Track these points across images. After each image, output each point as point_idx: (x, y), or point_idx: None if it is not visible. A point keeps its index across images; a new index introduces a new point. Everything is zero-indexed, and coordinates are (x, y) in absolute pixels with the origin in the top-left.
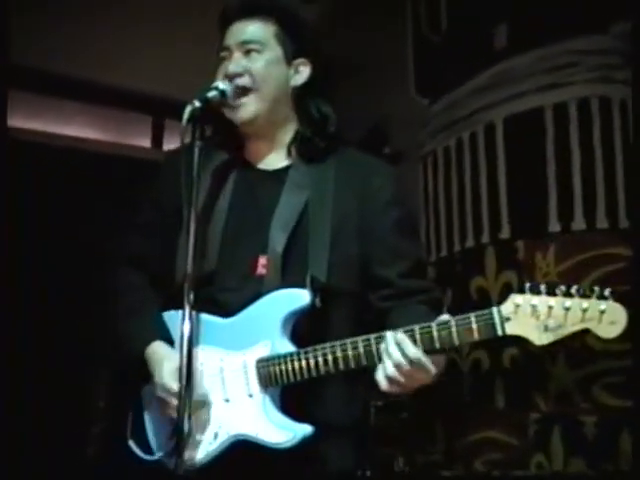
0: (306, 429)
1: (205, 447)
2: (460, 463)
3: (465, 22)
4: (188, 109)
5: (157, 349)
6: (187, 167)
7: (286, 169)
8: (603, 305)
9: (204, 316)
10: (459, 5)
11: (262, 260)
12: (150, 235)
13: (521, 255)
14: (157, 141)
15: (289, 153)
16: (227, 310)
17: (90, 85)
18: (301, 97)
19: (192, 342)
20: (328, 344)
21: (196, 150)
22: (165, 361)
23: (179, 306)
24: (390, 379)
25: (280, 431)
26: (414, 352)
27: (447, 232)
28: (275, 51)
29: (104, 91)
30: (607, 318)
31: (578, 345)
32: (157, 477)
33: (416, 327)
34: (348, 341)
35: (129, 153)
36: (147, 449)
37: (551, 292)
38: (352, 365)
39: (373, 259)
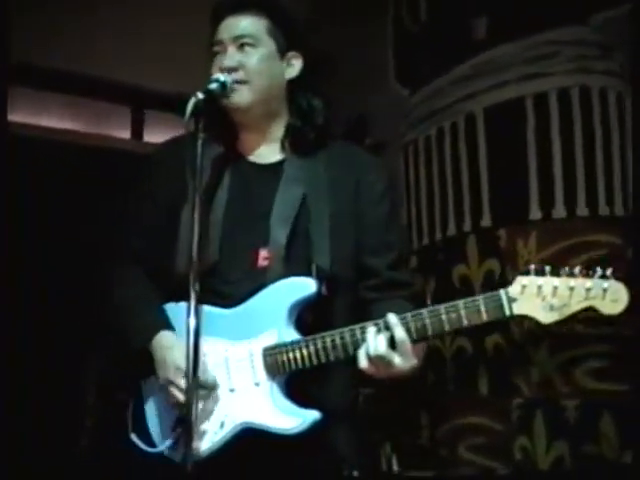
0: (314, 414)
1: (210, 437)
2: (444, 448)
3: (444, 13)
4: (192, 101)
5: (163, 339)
6: (189, 159)
7: (280, 163)
8: (606, 284)
9: (206, 307)
10: None
11: (263, 253)
12: (145, 230)
13: (503, 243)
14: (137, 133)
15: (282, 147)
16: (229, 302)
17: (68, 75)
18: (293, 90)
19: (199, 331)
20: (334, 331)
21: (199, 142)
22: (174, 347)
23: (180, 299)
24: (370, 359)
25: (289, 417)
26: (401, 335)
27: (429, 221)
28: (268, 45)
29: (83, 81)
30: (610, 296)
31: (559, 330)
32: (159, 469)
33: (424, 311)
34: (357, 326)
35: (108, 144)
36: (149, 442)
37: (555, 273)
38: (351, 353)
39: (365, 248)
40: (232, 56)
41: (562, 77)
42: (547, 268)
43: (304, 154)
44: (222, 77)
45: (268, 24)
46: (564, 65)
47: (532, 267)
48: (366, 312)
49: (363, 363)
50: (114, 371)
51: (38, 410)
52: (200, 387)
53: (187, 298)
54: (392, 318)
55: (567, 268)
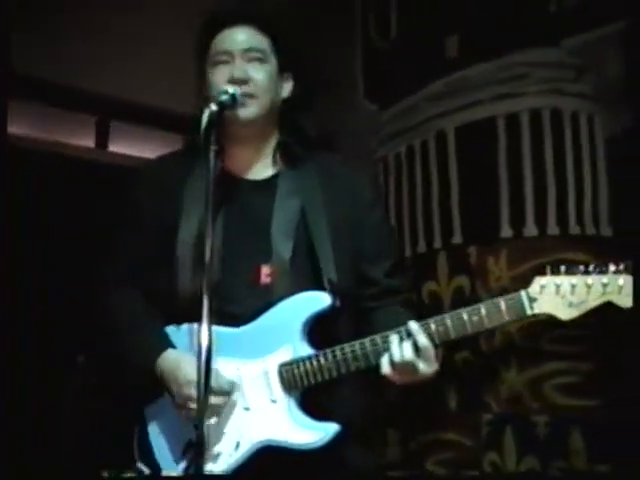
0: (335, 427)
1: (225, 459)
2: (413, 463)
3: (416, 31)
4: (207, 113)
5: (172, 356)
6: (177, 174)
7: (273, 178)
8: (621, 280)
9: (213, 328)
10: (409, 14)
11: (265, 269)
12: (139, 253)
13: (473, 260)
14: (101, 142)
15: (274, 162)
16: (234, 321)
17: (34, 81)
18: (284, 109)
19: (211, 352)
20: (354, 342)
21: (212, 155)
22: (182, 362)
23: (181, 322)
24: (394, 365)
25: (310, 431)
26: (425, 342)
27: (398, 237)
28: (272, 62)
29: (47, 88)
30: (625, 290)
31: (528, 346)
32: None
33: (446, 315)
34: (378, 336)
35: (71, 153)
36: (157, 469)
37: (571, 272)
38: (373, 362)
39: (362, 258)
40: (242, 68)
41: (534, 98)
42: (562, 268)
43: (296, 167)
44: (231, 89)
45: (271, 41)
46: (536, 86)
47: (548, 267)
48: (365, 321)
49: (387, 369)
50: (115, 398)
51: (38, 410)
52: (220, 393)
53: (190, 320)
54: (414, 325)
55: (582, 266)
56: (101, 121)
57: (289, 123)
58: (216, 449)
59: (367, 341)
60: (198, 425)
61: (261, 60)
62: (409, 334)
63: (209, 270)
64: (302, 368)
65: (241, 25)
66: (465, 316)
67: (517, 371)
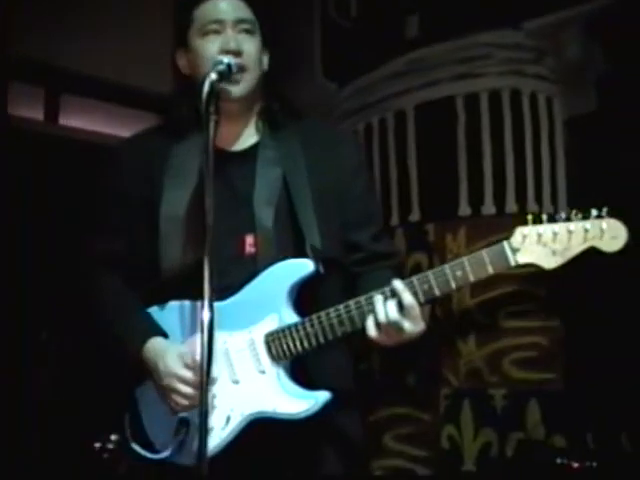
0: (325, 394)
1: (217, 434)
2: (371, 438)
3: (376, 9)
4: (208, 82)
5: (156, 344)
6: (156, 151)
7: (254, 147)
8: (604, 223)
9: (195, 303)
10: None
11: (249, 239)
12: (119, 231)
13: (431, 237)
14: (51, 115)
15: (256, 130)
16: (220, 293)
17: None
18: (265, 81)
19: (213, 327)
20: (338, 305)
21: (212, 125)
22: (166, 353)
23: (165, 299)
24: (379, 325)
25: (300, 400)
26: (410, 300)
27: None
28: (258, 34)
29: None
30: (608, 234)
31: (487, 322)
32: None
33: (429, 272)
34: (362, 297)
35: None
36: (151, 449)
37: (552, 219)
38: (360, 325)
39: (348, 223)
40: (236, 40)
41: (494, 78)
42: (544, 216)
43: (277, 134)
44: (226, 59)
45: (255, 13)
46: (496, 67)
47: (529, 217)
48: (353, 287)
49: (372, 332)
50: (107, 381)
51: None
52: (187, 385)
53: (175, 297)
54: (398, 284)
55: (563, 213)
56: (50, 94)
57: (272, 93)
58: (207, 425)
59: (352, 303)
60: (200, 412)
61: (250, 32)
62: (393, 293)
63: (207, 245)
64: (289, 336)
65: None
66: (448, 271)
67: (476, 346)
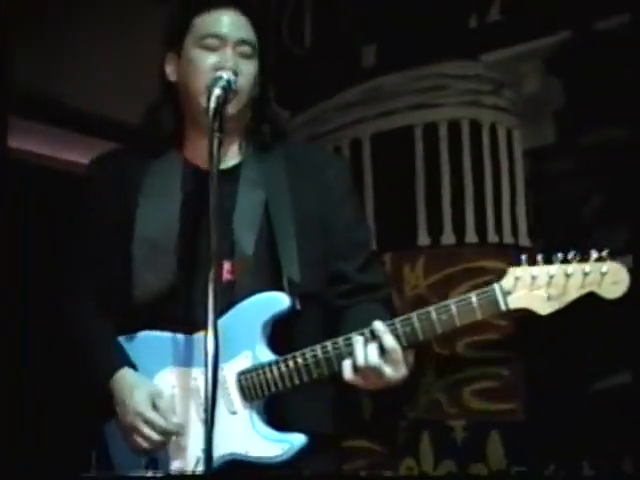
0: (300, 438)
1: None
2: None
3: (331, 39)
4: (215, 96)
5: (123, 377)
6: (122, 173)
7: (236, 168)
8: (604, 267)
9: (167, 335)
10: (325, 21)
11: (227, 265)
12: (93, 259)
13: (388, 267)
14: None
15: (239, 149)
16: (194, 325)
17: None
18: (257, 104)
19: (217, 358)
20: (315, 345)
21: (215, 142)
22: (135, 389)
23: (137, 329)
24: (357, 369)
25: (274, 444)
26: (391, 343)
27: None
28: (256, 58)
29: None
30: (609, 279)
31: (447, 353)
32: None
33: (413, 314)
34: (340, 338)
35: None
36: None
37: (548, 260)
38: (337, 367)
39: (333, 253)
40: (234, 60)
41: (452, 109)
42: (539, 257)
43: (261, 155)
44: (226, 75)
45: (257, 36)
46: (454, 98)
47: (523, 257)
48: (337, 321)
49: (349, 375)
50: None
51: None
52: (165, 434)
53: (147, 326)
54: (379, 325)
55: (560, 254)
56: None
57: (262, 115)
58: (177, 466)
59: (329, 344)
60: (205, 450)
61: (249, 56)
62: (374, 335)
63: (211, 264)
64: (262, 376)
65: (231, 8)
66: (434, 315)
67: (435, 377)
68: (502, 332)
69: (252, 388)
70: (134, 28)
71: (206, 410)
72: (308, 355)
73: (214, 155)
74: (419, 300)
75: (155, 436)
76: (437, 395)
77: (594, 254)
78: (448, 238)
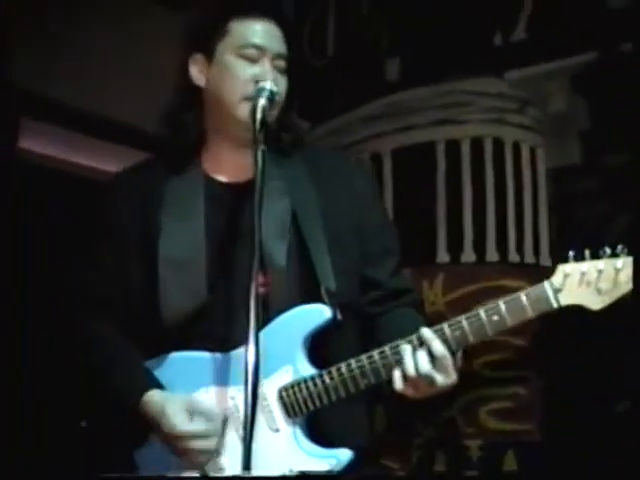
0: (347, 453)
1: None
2: None
3: (355, 50)
4: (261, 107)
5: (155, 398)
6: (150, 186)
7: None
8: None
9: (201, 354)
10: (348, 33)
11: (259, 278)
12: (112, 275)
13: None
14: None
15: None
16: (228, 342)
17: None
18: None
19: (258, 373)
20: (361, 356)
21: (260, 154)
22: (167, 405)
23: (165, 350)
24: (408, 379)
25: (321, 461)
26: (441, 349)
27: None
28: (287, 75)
29: None
30: None
31: (462, 371)
32: None
33: (462, 317)
34: (387, 347)
35: None
36: None
37: (595, 256)
38: (385, 376)
39: (365, 258)
40: (272, 74)
41: (475, 126)
42: (587, 252)
43: (281, 162)
44: (268, 86)
45: (288, 49)
46: (478, 115)
47: (571, 254)
48: (372, 329)
49: (399, 385)
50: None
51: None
52: (214, 436)
53: (176, 347)
54: (427, 332)
55: (608, 249)
56: None
57: (284, 122)
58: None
59: (375, 354)
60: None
61: (284, 71)
62: (422, 342)
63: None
64: (305, 391)
65: (268, 19)
66: (484, 316)
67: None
68: (518, 351)
69: (295, 404)
70: (134, 28)
71: (245, 427)
72: (354, 366)
73: (259, 168)
74: (437, 317)
75: (207, 444)
76: (453, 413)
77: None
78: (468, 256)
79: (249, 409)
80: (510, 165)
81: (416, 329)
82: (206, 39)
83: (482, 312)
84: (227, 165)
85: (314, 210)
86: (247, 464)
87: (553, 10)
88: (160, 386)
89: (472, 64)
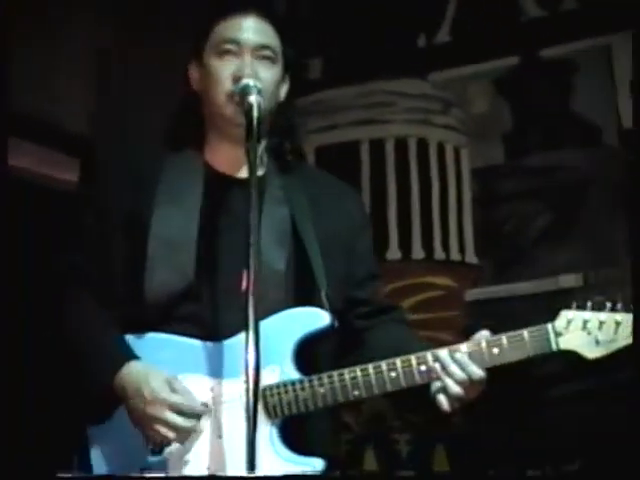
0: (320, 463)
1: None
2: None
3: None
4: (256, 105)
5: (134, 368)
6: (145, 162)
7: (259, 179)
8: None
9: (184, 339)
10: None
11: (250, 277)
12: (96, 250)
13: None
14: None
15: (260, 162)
16: (213, 332)
17: None
18: (277, 109)
19: (259, 362)
20: (354, 367)
21: (252, 152)
22: (150, 376)
23: (146, 329)
24: (452, 398)
25: (295, 467)
26: (478, 371)
27: None
28: (280, 64)
29: None
30: None
31: None
32: None
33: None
34: (383, 362)
35: None
36: None
37: (597, 308)
38: (387, 388)
39: (353, 278)
40: (250, 66)
41: (400, 126)
42: (589, 303)
43: (282, 172)
44: (252, 82)
45: (280, 39)
46: (402, 115)
47: (574, 304)
48: (356, 343)
49: (445, 405)
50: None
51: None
52: (193, 416)
53: (155, 327)
54: (442, 353)
55: (609, 303)
56: None
57: (279, 123)
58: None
59: (370, 368)
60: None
61: (271, 59)
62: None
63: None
64: (291, 393)
65: (252, 14)
66: (484, 346)
67: None
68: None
69: (278, 405)
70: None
71: (248, 425)
72: (347, 376)
73: (252, 164)
74: None
75: (181, 421)
76: (381, 408)
77: None
78: (394, 253)
79: (251, 407)
80: (435, 165)
81: (419, 342)
82: (196, 45)
83: (484, 342)
84: (228, 159)
85: (309, 222)
86: (252, 464)
87: (476, 15)
88: (136, 357)
89: (396, 65)
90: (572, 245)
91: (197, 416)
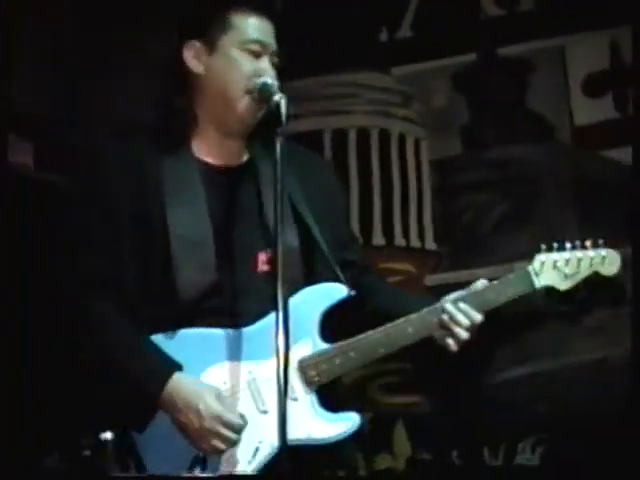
0: (357, 415)
1: (243, 467)
2: None
3: None
4: (284, 103)
5: (184, 382)
6: (146, 159)
7: (249, 163)
8: (603, 252)
9: (216, 331)
10: None
11: (262, 257)
12: (105, 249)
13: None
14: None
15: (247, 145)
16: (239, 319)
17: None
18: None
19: (288, 354)
20: (379, 329)
21: (279, 147)
22: (205, 393)
23: (178, 326)
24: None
25: (336, 424)
26: (479, 317)
27: None
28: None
29: None
30: (608, 261)
31: None
32: None
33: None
34: (401, 320)
35: None
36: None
37: (561, 248)
38: (408, 341)
39: (340, 243)
40: (270, 70)
41: (362, 117)
42: (555, 245)
43: (268, 151)
44: (270, 80)
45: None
46: (364, 106)
47: (543, 246)
48: (358, 302)
49: (454, 347)
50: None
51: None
52: (240, 431)
53: (188, 324)
54: (450, 306)
55: (568, 243)
56: None
57: (269, 110)
58: (232, 457)
59: (390, 327)
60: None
61: (277, 68)
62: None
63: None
64: (327, 362)
65: (266, 16)
66: (481, 291)
67: None
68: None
69: (316, 374)
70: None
71: (279, 394)
72: (371, 337)
73: (278, 161)
74: None
75: (233, 436)
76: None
77: (593, 243)
78: None
79: (281, 381)
80: (396, 155)
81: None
82: (206, 29)
83: (481, 287)
84: (218, 150)
85: (302, 198)
86: (283, 438)
87: (437, 12)
88: (178, 365)
89: (359, 59)
90: (526, 234)
91: (241, 431)
